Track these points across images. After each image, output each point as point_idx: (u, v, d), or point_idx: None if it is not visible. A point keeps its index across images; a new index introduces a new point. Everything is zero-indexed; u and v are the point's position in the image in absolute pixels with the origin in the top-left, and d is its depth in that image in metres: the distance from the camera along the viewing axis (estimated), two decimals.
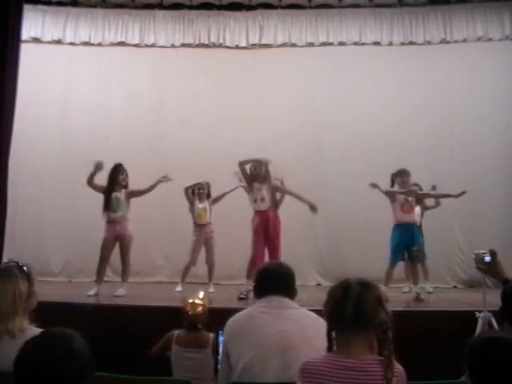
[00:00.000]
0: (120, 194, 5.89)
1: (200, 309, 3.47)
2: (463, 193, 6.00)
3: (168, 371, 3.35)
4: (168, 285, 7.12)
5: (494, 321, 3.68)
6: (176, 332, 3.46)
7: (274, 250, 5.73)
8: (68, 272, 7.53)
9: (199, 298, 3.57)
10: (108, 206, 5.78)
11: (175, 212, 7.12)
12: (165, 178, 5.96)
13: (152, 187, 5.99)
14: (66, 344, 1.51)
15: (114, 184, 5.85)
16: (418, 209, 6.26)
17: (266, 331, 2.33)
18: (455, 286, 7.29)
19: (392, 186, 5.90)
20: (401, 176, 5.83)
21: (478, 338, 1.63)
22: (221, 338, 2.74)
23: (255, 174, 5.84)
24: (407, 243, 5.71)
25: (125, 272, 5.94)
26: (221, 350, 2.62)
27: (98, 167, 5.78)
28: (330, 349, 1.86)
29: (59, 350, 1.49)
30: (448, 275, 7.38)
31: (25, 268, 2.29)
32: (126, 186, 5.93)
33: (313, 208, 5.86)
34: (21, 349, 1.53)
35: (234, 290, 6.10)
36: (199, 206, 6.49)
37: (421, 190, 6.24)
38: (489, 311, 3.71)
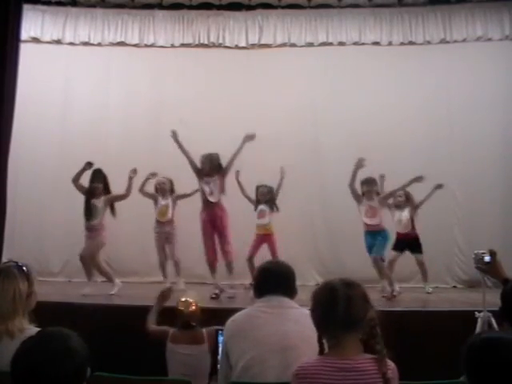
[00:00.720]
0: (98, 201, 5.94)
1: (193, 306, 3.50)
2: (420, 178, 6.15)
3: (162, 371, 3.35)
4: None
5: (493, 321, 3.68)
6: (171, 330, 3.48)
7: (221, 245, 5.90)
8: (68, 272, 7.52)
9: (191, 296, 3.60)
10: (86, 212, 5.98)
11: (175, 212, 7.10)
12: (133, 173, 6.03)
13: (129, 188, 6.05)
14: (63, 343, 1.51)
15: (90, 191, 5.98)
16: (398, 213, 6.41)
17: (266, 331, 2.33)
18: (455, 286, 7.28)
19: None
20: (366, 185, 6.03)
21: (477, 339, 1.63)
22: (220, 338, 2.75)
23: (201, 169, 5.94)
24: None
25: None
26: (220, 349, 2.62)
27: (86, 167, 5.91)
28: (321, 352, 1.86)
29: (56, 349, 1.49)
30: (448, 275, 7.38)
31: (24, 268, 2.29)
32: (101, 194, 5.99)
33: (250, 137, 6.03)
34: (18, 348, 1.53)
35: (236, 289, 6.13)
36: (162, 202, 6.48)
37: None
38: (488, 311, 3.71)
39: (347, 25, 7.82)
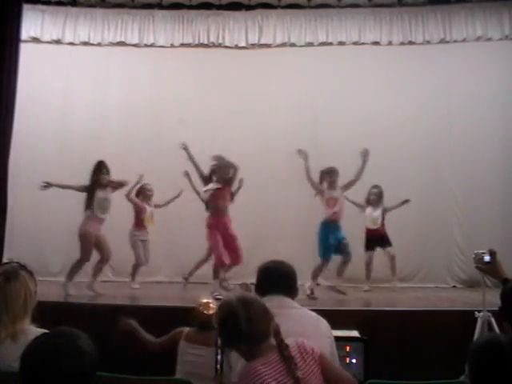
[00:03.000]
0: (108, 194, 5.92)
1: (213, 308, 3.49)
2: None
3: (168, 371, 3.35)
4: (167, 284, 7.13)
5: (493, 320, 3.68)
6: (186, 329, 3.48)
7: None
8: (67, 271, 7.50)
9: (211, 298, 3.60)
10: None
11: (175, 211, 7.12)
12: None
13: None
14: (71, 342, 1.53)
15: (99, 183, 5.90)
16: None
17: None
18: (455, 286, 7.28)
19: (321, 183, 6.00)
20: (329, 175, 5.93)
21: (481, 341, 1.63)
22: None
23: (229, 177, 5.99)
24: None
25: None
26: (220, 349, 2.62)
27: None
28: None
29: (64, 348, 1.51)
30: (447, 275, 7.38)
31: (28, 267, 2.31)
32: (106, 185, 5.94)
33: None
34: (28, 345, 1.55)
35: (236, 289, 6.14)
36: (148, 209, 6.57)
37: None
38: (488, 311, 3.71)
39: (347, 25, 7.82)
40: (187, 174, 6.34)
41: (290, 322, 2.36)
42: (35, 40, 7.77)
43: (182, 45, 7.95)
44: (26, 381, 1.50)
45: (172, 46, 7.95)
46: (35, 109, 7.56)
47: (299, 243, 7.37)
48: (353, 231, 6.30)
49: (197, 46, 7.94)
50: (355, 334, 3.55)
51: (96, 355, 1.56)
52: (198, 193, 6.38)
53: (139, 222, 6.57)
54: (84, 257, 5.85)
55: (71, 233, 7.50)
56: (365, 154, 5.91)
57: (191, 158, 6.10)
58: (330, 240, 5.89)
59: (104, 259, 5.99)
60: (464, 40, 7.70)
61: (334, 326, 2.31)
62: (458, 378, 2.66)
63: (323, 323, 2.43)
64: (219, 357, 2.52)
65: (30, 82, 7.24)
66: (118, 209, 7.59)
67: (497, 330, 3.54)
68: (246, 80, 7.79)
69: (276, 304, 2.43)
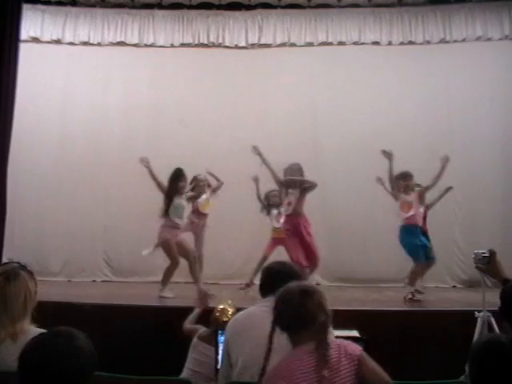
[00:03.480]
0: (183, 200, 5.92)
1: (229, 316, 3.50)
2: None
3: (168, 370, 3.36)
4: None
5: (493, 321, 3.68)
6: (202, 329, 3.52)
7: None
8: (67, 272, 7.51)
9: (229, 304, 3.60)
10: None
11: None
12: (144, 162, 5.93)
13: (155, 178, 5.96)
14: (69, 342, 1.53)
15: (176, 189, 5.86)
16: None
17: (267, 330, 2.33)
18: (454, 286, 7.28)
19: (395, 188, 5.92)
20: (404, 179, 5.87)
21: (482, 341, 1.63)
22: (221, 338, 2.75)
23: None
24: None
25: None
26: (221, 349, 2.63)
27: (146, 165, 5.86)
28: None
29: (62, 346, 1.51)
30: (447, 275, 7.37)
31: (28, 268, 2.30)
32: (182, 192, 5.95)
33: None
34: (26, 344, 1.55)
35: (233, 289, 6.15)
36: (204, 197, 6.44)
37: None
38: (488, 311, 3.71)
39: (347, 24, 7.82)
40: (256, 180, 6.36)
41: None
42: (35, 40, 7.77)
43: (182, 45, 7.94)
44: (24, 380, 1.50)
45: (172, 46, 7.94)
46: (35, 109, 7.56)
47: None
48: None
49: (197, 46, 7.93)
50: (355, 333, 3.55)
51: (94, 354, 1.57)
52: (259, 199, 6.43)
53: (197, 211, 6.44)
54: (173, 262, 5.86)
55: (71, 233, 7.54)
56: (444, 160, 5.85)
57: (266, 163, 6.07)
58: (417, 242, 5.86)
59: (189, 262, 5.97)
60: (464, 40, 7.70)
61: (334, 326, 2.30)
62: (457, 377, 2.66)
63: None
64: (219, 357, 2.52)
65: (30, 82, 7.24)
66: (119, 210, 7.62)
67: (497, 330, 3.54)
68: (246, 80, 7.79)
69: None
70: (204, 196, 6.43)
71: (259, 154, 6.05)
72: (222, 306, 3.55)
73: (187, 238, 6.15)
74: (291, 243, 5.96)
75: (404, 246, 5.89)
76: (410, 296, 5.58)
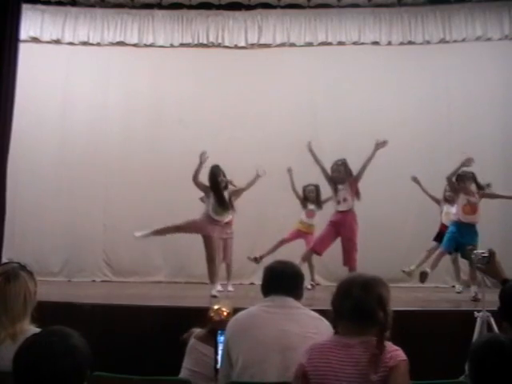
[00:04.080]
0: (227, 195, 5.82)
1: (224, 315, 3.51)
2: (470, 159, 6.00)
3: (168, 370, 3.36)
4: (167, 284, 7.13)
5: (492, 320, 3.68)
6: (197, 330, 3.53)
7: (348, 252, 5.78)
8: (67, 271, 7.52)
9: (224, 305, 3.61)
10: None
11: (175, 211, 7.11)
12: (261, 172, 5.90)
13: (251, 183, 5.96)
14: (63, 341, 1.51)
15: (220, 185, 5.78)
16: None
17: (267, 331, 2.33)
18: (454, 286, 7.28)
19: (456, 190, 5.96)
20: (463, 180, 5.91)
21: (481, 341, 1.63)
22: (220, 338, 2.75)
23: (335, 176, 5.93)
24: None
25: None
26: (221, 348, 2.63)
27: (203, 160, 5.70)
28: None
29: (56, 346, 1.49)
30: (447, 275, 7.36)
31: (28, 267, 2.30)
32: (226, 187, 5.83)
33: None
34: (20, 345, 1.54)
35: (235, 288, 6.15)
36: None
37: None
38: (488, 311, 3.71)
39: (347, 25, 7.82)
40: (290, 171, 6.41)
41: (292, 323, 2.36)
42: (35, 40, 7.77)
43: (182, 45, 7.95)
44: (19, 381, 1.49)
45: (171, 45, 7.95)
46: (34, 109, 7.57)
47: (299, 243, 7.36)
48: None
49: (196, 45, 7.93)
50: None
51: (89, 353, 1.56)
52: (295, 191, 6.49)
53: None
54: (212, 258, 5.71)
55: (71, 233, 7.54)
56: (466, 161, 5.86)
57: (316, 159, 6.02)
58: (457, 237, 5.87)
59: (225, 261, 5.99)
60: (464, 40, 7.71)
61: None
62: (457, 377, 2.67)
63: (324, 323, 2.43)
64: (219, 357, 2.52)
65: (30, 82, 7.25)
66: (119, 210, 7.62)
67: (496, 330, 3.54)
68: (246, 80, 7.79)
69: (278, 304, 2.43)
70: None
71: (311, 150, 6.01)
72: (216, 306, 3.57)
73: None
74: (324, 233, 5.90)
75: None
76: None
